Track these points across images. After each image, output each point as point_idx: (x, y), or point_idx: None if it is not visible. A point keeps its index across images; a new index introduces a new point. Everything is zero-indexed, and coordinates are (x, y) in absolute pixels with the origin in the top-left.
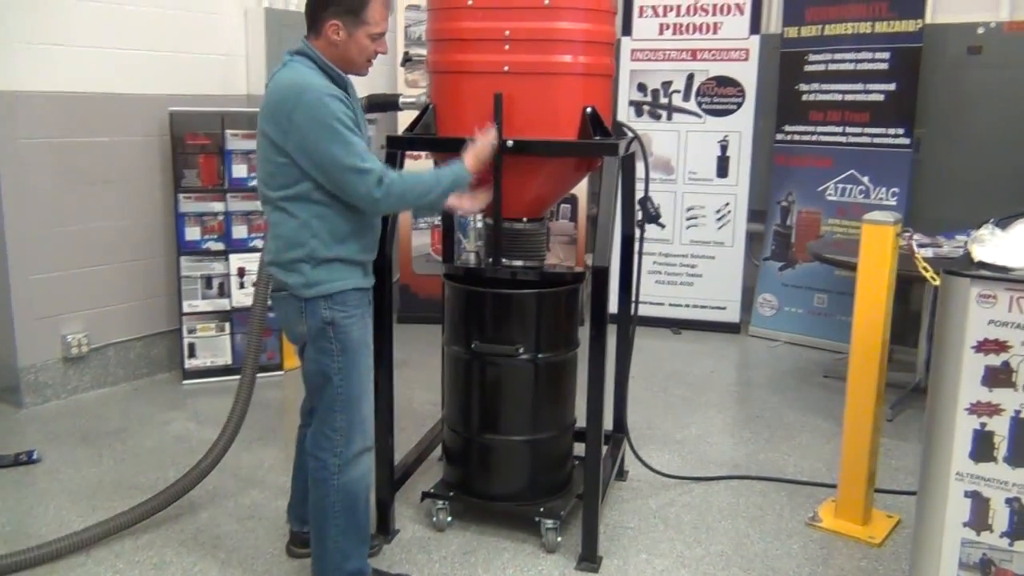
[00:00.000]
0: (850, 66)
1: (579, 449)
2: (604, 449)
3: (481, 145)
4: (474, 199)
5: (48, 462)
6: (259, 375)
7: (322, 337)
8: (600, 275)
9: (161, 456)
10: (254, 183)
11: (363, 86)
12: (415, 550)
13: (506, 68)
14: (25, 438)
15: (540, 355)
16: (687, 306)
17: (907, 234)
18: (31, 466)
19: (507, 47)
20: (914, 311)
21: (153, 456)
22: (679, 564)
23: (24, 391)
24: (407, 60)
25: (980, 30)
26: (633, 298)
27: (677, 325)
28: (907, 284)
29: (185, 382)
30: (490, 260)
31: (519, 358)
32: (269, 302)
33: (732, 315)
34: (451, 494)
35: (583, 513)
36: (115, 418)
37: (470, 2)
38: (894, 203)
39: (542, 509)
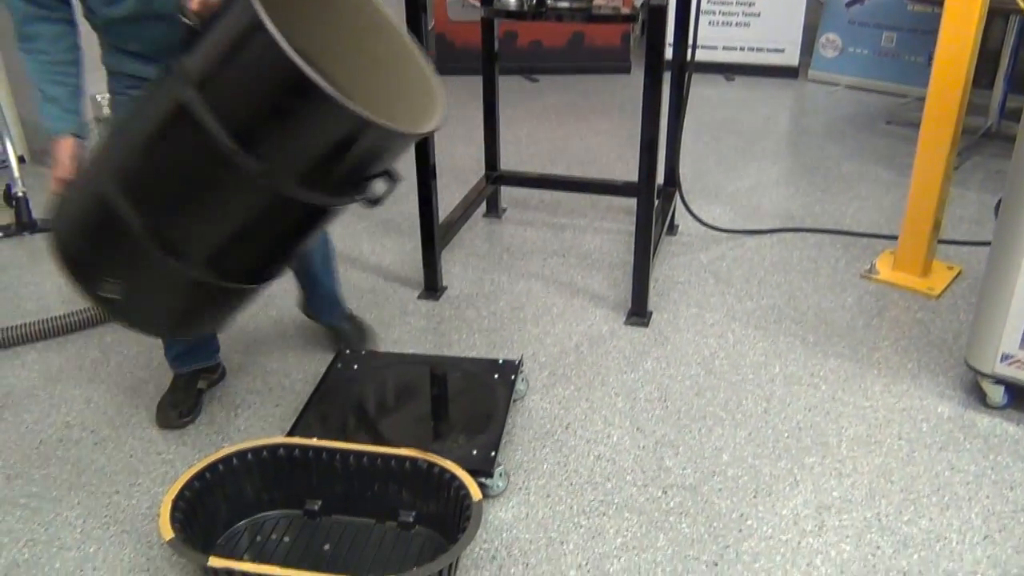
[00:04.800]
0: None
1: (630, 204)
2: (656, 203)
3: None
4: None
5: None
6: None
7: None
8: (657, 14)
9: None
10: None
11: None
12: (464, 306)
13: None
14: None
15: None
16: (742, 49)
17: None
18: None
19: None
20: (991, 49)
21: None
22: (730, 318)
23: None
24: None
25: None
26: (691, 42)
27: (730, 70)
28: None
29: None
30: (533, 2)
31: None
32: None
33: (791, 58)
34: None
35: (633, 267)
36: None
37: None
38: None
39: None
